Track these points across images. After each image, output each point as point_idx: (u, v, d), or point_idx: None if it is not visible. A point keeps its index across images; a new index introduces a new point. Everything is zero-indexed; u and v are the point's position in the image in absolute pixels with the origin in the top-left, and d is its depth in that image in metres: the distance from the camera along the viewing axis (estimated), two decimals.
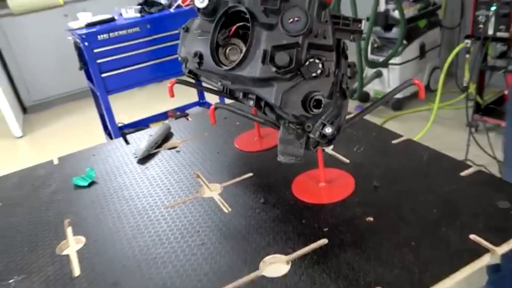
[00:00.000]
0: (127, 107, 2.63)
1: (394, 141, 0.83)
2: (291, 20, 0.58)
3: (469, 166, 0.71)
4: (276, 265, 0.57)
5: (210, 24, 0.67)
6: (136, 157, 0.91)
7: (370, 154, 0.80)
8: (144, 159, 0.90)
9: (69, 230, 0.71)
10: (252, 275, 0.56)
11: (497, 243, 0.54)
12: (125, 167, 0.89)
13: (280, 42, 0.59)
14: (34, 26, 3.92)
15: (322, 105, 0.56)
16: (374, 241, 0.58)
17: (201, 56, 0.69)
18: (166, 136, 0.98)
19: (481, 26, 2.36)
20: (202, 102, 3.24)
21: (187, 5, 2.61)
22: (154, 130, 0.99)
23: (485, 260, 0.54)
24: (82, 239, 0.68)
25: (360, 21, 0.62)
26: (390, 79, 3.07)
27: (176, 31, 2.66)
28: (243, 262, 0.58)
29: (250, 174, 0.79)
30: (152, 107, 3.25)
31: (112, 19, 2.52)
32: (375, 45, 3.05)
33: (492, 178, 0.68)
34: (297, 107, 0.58)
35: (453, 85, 2.77)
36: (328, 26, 0.60)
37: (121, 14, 2.61)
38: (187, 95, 3.28)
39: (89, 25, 2.45)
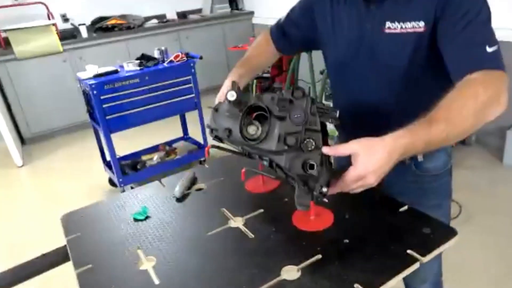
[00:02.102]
0: (118, 141, 2.78)
1: None
2: (296, 116, 0.84)
3: (405, 205, 0.98)
4: (291, 272, 0.81)
5: (235, 109, 0.90)
6: (174, 197, 1.12)
7: (340, 195, 1.05)
8: (181, 199, 1.12)
9: (140, 252, 0.92)
10: (276, 279, 0.79)
11: (423, 255, 0.81)
12: (167, 204, 1.10)
13: (289, 130, 0.84)
14: (36, 69, 4.00)
15: (315, 168, 0.81)
16: (349, 256, 0.83)
17: (230, 131, 0.91)
18: (193, 180, 1.20)
19: None
20: (186, 138, 3.44)
21: (178, 61, 2.84)
22: (184, 175, 1.20)
23: (417, 265, 0.80)
24: (153, 258, 0.89)
25: (335, 110, 0.88)
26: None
27: (169, 82, 2.88)
28: (268, 270, 0.81)
29: (262, 210, 1.02)
30: (142, 141, 3.39)
31: (115, 71, 2.70)
32: (327, 94, 3.40)
33: (419, 213, 0.96)
34: (298, 168, 0.83)
35: None
36: (316, 117, 0.86)
37: (122, 66, 2.79)
38: (172, 130, 3.48)
39: (96, 76, 2.61)
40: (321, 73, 3.30)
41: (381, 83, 1.00)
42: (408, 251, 0.82)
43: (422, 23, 0.90)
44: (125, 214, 1.08)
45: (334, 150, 0.79)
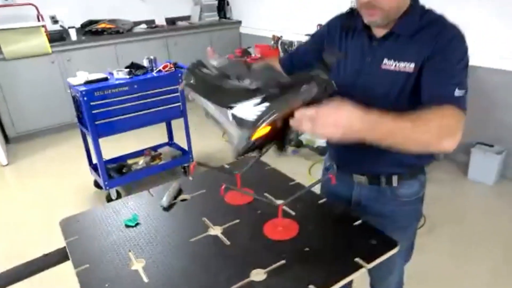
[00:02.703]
0: (105, 143, 2.91)
1: (319, 201, 1.28)
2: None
3: (359, 219, 1.17)
4: (259, 275, 0.98)
5: None
6: (162, 206, 1.28)
7: (306, 208, 1.23)
8: (167, 208, 1.28)
9: (131, 255, 1.07)
10: (246, 280, 0.96)
11: (368, 262, 0.99)
12: (156, 213, 1.26)
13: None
14: (23, 70, 4.07)
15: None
16: (308, 262, 1.01)
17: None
18: (179, 191, 1.36)
19: None
20: (171, 143, 3.58)
21: (166, 71, 2.98)
22: (171, 187, 1.36)
23: (363, 270, 0.98)
24: (143, 260, 1.05)
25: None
26: None
27: (157, 90, 3.03)
28: (241, 273, 0.98)
29: (238, 220, 1.19)
30: (128, 145, 3.51)
31: (105, 78, 2.83)
32: None
33: (369, 226, 1.14)
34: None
35: None
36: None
37: (112, 74, 2.92)
38: (158, 135, 3.61)
39: (87, 83, 2.73)
40: None
41: None
42: (356, 259, 1.00)
43: (412, 64, 1.05)
44: (117, 220, 1.23)
45: (317, 110, 0.83)
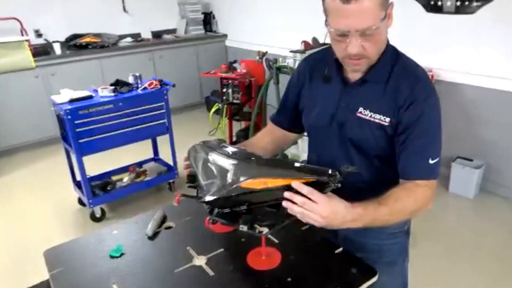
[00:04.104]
0: (89, 159, 2.90)
1: (303, 228, 1.31)
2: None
3: (340, 247, 1.20)
4: None
5: None
6: (146, 235, 1.29)
7: (289, 235, 1.26)
8: (152, 237, 1.29)
9: (115, 287, 1.08)
10: None
11: None
12: (140, 242, 1.27)
13: None
14: (6, 84, 4.04)
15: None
16: None
17: None
18: (164, 219, 1.38)
19: None
20: (156, 159, 3.58)
21: (152, 88, 3.00)
22: (156, 214, 1.37)
23: None
24: None
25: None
26: (303, 146, 3.66)
27: (143, 107, 3.04)
28: None
29: (222, 249, 1.21)
30: (113, 160, 3.49)
31: (90, 96, 2.83)
32: None
33: (350, 255, 1.18)
34: None
35: None
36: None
37: (96, 91, 2.92)
38: (143, 152, 3.60)
39: (72, 101, 2.72)
40: None
41: (346, 153, 1.17)
42: None
43: (388, 119, 1.07)
44: (102, 251, 1.23)
45: (311, 192, 0.93)
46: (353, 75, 1.14)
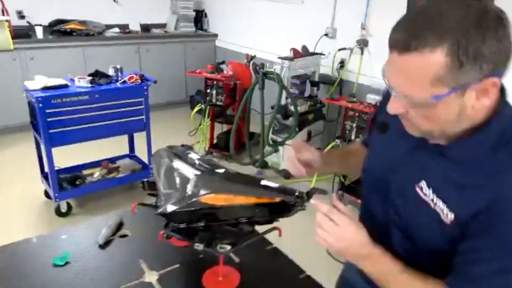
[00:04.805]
0: (60, 150, 2.76)
1: (267, 247, 1.22)
2: None
3: (304, 272, 1.12)
4: None
5: None
6: (97, 243, 1.19)
7: (251, 254, 1.17)
8: (103, 245, 1.18)
9: None
10: None
11: None
12: (89, 250, 1.16)
13: None
14: None
15: None
16: None
17: None
18: (119, 226, 1.27)
19: (347, 132, 2.97)
20: (131, 155, 3.45)
21: (132, 83, 2.88)
22: (112, 220, 1.27)
23: None
24: None
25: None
26: (284, 154, 3.59)
27: (120, 102, 2.92)
28: None
29: (177, 265, 1.12)
30: (85, 153, 3.33)
31: (65, 85, 2.69)
32: (276, 128, 3.57)
33: (314, 281, 1.09)
34: None
35: None
36: None
37: (73, 80, 2.79)
38: (118, 147, 3.47)
39: (45, 89, 2.59)
40: (272, 108, 3.46)
41: (386, 223, 0.90)
42: None
43: (452, 216, 0.74)
44: (46, 257, 1.12)
45: (331, 212, 0.82)
46: None
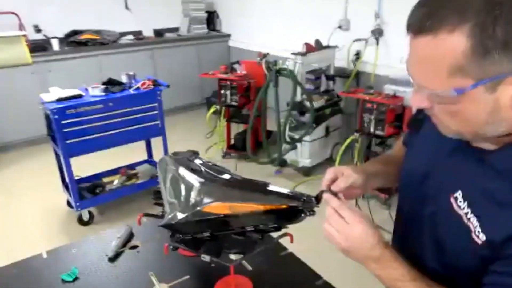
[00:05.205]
0: (79, 160, 2.78)
1: (281, 253, 1.16)
2: None
3: (321, 278, 1.05)
4: None
5: None
6: (107, 256, 1.16)
7: (265, 262, 1.12)
8: (113, 258, 1.15)
9: None
10: None
11: None
12: (99, 264, 1.14)
13: None
14: (2, 80, 3.94)
15: None
16: None
17: None
18: (130, 237, 1.24)
19: (365, 125, 2.87)
20: (150, 161, 3.45)
21: (145, 88, 2.87)
22: (122, 231, 1.24)
23: None
24: None
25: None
26: (303, 151, 3.51)
27: (134, 108, 2.90)
28: None
29: (188, 277, 1.07)
30: (105, 161, 3.35)
31: (79, 95, 2.71)
32: (292, 125, 3.49)
33: (332, 287, 1.03)
34: None
35: (350, 159, 3.21)
36: None
37: (87, 90, 2.80)
38: (136, 153, 3.48)
39: (60, 100, 2.61)
40: (287, 105, 3.39)
41: (421, 240, 0.80)
42: None
43: (484, 237, 0.64)
44: (55, 273, 1.10)
45: (340, 207, 0.76)
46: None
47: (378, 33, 3.34)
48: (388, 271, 0.74)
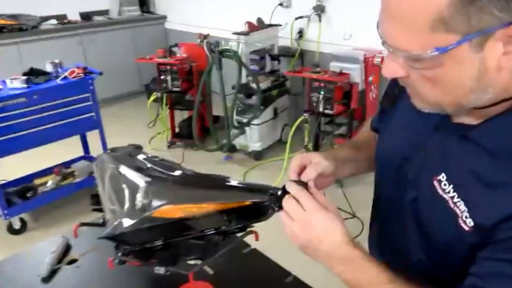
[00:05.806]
0: (6, 161, 2.47)
1: (244, 251, 1.06)
2: None
3: (290, 274, 0.97)
4: None
5: None
6: (39, 276, 0.98)
7: (227, 262, 1.01)
8: (47, 278, 0.98)
9: None
10: None
11: None
12: (31, 286, 0.96)
13: None
14: None
15: None
16: None
17: None
18: (66, 249, 1.07)
19: (314, 104, 2.83)
20: (87, 157, 3.18)
21: (74, 77, 2.59)
22: (56, 244, 1.06)
23: None
24: None
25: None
26: (252, 135, 3.42)
27: (63, 100, 2.62)
28: None
29: None
30: (36, 161, 3.03)
31: None
32: (239, 109, 3.38)
33: (301, 283, 0.95)
34: None
35: (300, 140, 3.13)
36: None
37: (5, 82, 2.47)
38: (71, 150, 3.18)
39: None
40: (233, 88, 3.27)
41: (403, 225, 0.73)
42: None
43: (471, 223, 0.58)
44: None
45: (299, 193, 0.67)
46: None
47: (320, 9, 3.29)
48: (358, 273, 0.63)
